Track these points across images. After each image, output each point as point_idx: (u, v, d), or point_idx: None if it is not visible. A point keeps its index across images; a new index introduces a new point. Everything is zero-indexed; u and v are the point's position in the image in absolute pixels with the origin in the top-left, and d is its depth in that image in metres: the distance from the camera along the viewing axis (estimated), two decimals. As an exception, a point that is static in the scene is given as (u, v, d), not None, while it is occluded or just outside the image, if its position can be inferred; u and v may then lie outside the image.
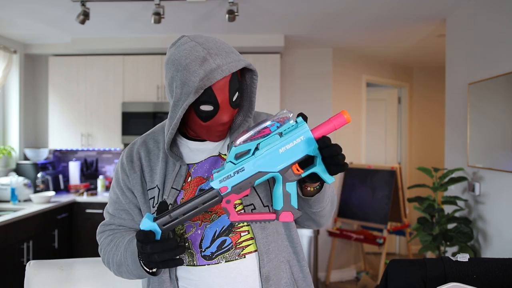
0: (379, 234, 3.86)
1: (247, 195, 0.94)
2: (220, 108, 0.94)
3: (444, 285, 1.04)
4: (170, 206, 1.00)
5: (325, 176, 0.84)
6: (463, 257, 1.35)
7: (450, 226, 2.90)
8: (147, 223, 0.86)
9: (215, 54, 0.91)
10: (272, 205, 0.98)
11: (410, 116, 5.12)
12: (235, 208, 0.99)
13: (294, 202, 0.86)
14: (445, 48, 3.24)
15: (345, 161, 0.83)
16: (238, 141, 0.84)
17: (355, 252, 4.38)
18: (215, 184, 0.84)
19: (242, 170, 0.83)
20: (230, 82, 0.93)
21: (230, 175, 0.83)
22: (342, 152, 0.83)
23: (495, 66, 2.50)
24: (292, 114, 0.84)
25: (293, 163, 0.84)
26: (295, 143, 0.82)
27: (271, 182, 1.01)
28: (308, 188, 0.94)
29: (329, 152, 0.82)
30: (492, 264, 1.34)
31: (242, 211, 0.99)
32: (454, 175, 2.91)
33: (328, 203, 1.02)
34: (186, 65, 0.91)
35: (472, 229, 2.66)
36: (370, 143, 4.90)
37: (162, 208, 0.89)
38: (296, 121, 0.85)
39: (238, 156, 0.84)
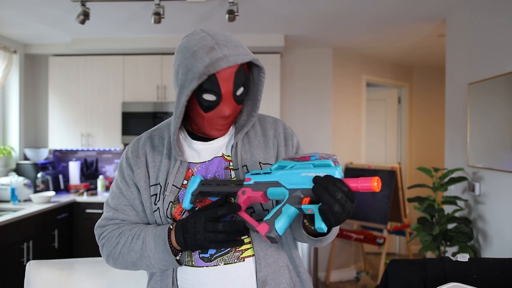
0: (379, 234, 3.86)
1: (260, 202, 0.96)
2: (222, 99, 0.95)
3: (444, 285, 1.03)
4: (171, 203, 1.01)
5: (317, 220, 0.80)
6: (463, 257, 1.35)
7: (450, 226, 2.90)
8: (196, 178, 0.99)
9: (224, 45, 0.92)
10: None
11: (410, 116, 5.11)
12: None
13: (280, 225, 0.85)
14: (445, 48, 3.24)
15: (345, 209, 0.77)
16: (285, 157, 0.95)
17: (355, 252, 4.38)
18: (247, 174, 0.96)
19: (269, 174, 0.93)
20: (235, 74, 0.93)
21: (260, 173, 0.94)
22: (346, 196, 0.77)
23: (495, 66, 2.50)
24: (336, 157, 0.87)
25: (304, 190, 0.85)
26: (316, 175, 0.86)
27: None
28: (312, 227, 0.92)
29: (321, 191, 0.78)
30: (492, 264, 1.33)
31: None
32: (454, 175, 2.91)
33: (330, 239, 1.00)
34: (193, 52, 0.92)
35: (472, 229, 2.66)
36: (370, 143, 4.90)
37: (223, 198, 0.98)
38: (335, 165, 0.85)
39: (278, 168, 0.93)
